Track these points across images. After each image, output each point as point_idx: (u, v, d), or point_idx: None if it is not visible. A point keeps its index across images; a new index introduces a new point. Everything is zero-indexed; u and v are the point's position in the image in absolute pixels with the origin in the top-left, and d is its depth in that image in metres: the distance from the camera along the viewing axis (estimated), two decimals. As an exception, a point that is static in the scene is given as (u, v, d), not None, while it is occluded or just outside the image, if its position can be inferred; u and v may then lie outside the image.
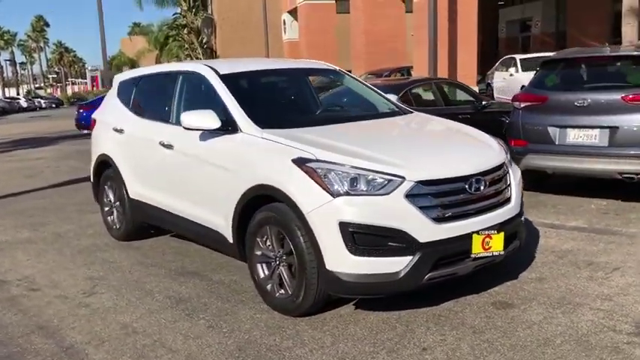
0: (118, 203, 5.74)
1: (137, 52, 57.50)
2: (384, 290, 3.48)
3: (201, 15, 42.89)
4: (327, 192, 3.40)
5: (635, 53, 6.15)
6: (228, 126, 4.14)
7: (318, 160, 3.51)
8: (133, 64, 60.34)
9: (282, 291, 3.80)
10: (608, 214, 5.87)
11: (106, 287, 4.56)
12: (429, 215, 3.41)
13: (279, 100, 4.94)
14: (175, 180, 4.74)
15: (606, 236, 5.16)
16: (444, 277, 3.56)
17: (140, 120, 5.27)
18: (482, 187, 3.65)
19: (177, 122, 4.80)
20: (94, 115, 6.22)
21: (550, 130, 6.16)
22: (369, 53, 18.92)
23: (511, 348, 3.24)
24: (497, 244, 3.65)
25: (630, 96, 5.71)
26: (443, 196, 3.50)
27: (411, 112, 4.84)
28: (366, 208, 3.37)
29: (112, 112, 5.81)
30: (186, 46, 44.38)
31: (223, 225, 4.21)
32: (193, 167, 4.47)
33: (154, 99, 5.37)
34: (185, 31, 43.48)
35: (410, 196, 3.39)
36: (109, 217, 5.95)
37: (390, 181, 3.40)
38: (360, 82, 5.29)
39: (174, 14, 47.72)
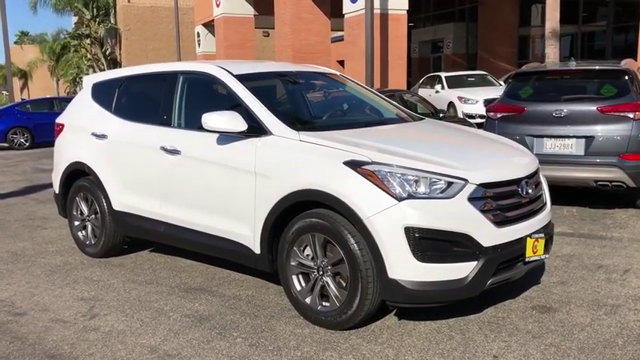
0: (94, 216, 5.19)
1: (29, 62, 53.98)
2: (448, 297, 3.34)
3: (106, 25, 41.13)
4: (390, 195, 3.23)
5: (607, 67, 6.52)
6: (255, 128, 3.86)
7: (374, 163, 3.33)
8: (24, 75, 56.60)
9: (327, 303, 3.56)
10: (584, 221, 6.12)
11: (107, 308, 4.07)
12: (490, 219, 3.33)
13: (300, 102, 4.70)
14: (182, 188, 4.35)
15: (596, 240, 5.36)
16: (502, 282, 3.50)
17: (129, 124, 4.80)
18: (530, 191, 3.64)
19: (183, 126, 4.47)
20: (59, 120, 5.61)
21: (527, 139, 6.35)
22: (296, 68, 18.86)
23: (580, 351, 3.21)
24: (542, 247, 3.64)
25: (606, 107, 6.01)
26: (501, 199, 3.44)
27: (424, 119, 4.78)
28: (431, 212, 3.23)
29: (86, 116, 5.27)
30: (89, 56, 42.35)
31: (248, 235, 3.90)
32: (208, 174, 4.12)
33: (146, 101, 4.92)
34: (88, 41, 41.50)
35: (472, 199, 3.30)
36: (80, 233, 5.37)
37: (452, 184, 3.29)
38: (366, 88, 5.18)
39: (75, 23, 45.51)
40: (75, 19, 46.38)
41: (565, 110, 6.18)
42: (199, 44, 31.63)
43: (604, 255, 4.91)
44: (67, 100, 21.32)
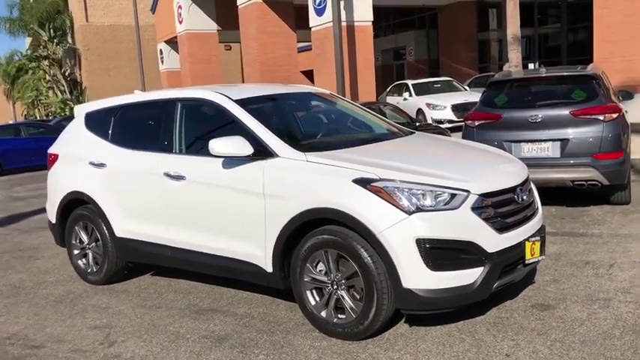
0: (94, 244, 5.25)
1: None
2: (459, 302, 3.55)
3: (64, 45, 40.56)
4: (400, 209, 3.43)
5: (576, 73, 6.88)
6: (261, 152, 4.02)
7: (382, 180, 3.53)
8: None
9: (342, 316, 3.73)
10: (564, 220, 6.44)
11: (123, 334, 4.15)
12: (492, 226, 3.56)
13: (298, 124, 4.86)
14: (188, 212, 4.46)
15: (578, 238, 5.67)
16: (505, 285, 3.73)
17: (129, 152, 4.89)
18: (525, 197, 3.89)
19: (185, 151, 4.59)
20: (52, 150, 5.65)
21: (505, 145, 6.64)
22: (265, 81, 19.02)
23: (583, 344, 3.46)
24: (538, 249, 3.89)
25: (577, 111, 6.36)
26: (500, 207, 3.67)
27: (414, 132, 5.02)
28: (439, 223, 3.44)
29: (82, 145, 5.33)
30: (48, 78, 41.63)
31: (258, 254, 4.05)
32: (215, 197, 4.24)
33: (145, 129, 5.01)
34: (46, 62, 40.79)
35: (475, 208, 3.53)
36: (80, 261, 5.42)
37: (455, 195, 3.51)
38: (355, 104, 5.39)
39: (30, 44, 44.65)
40: (29, 40, 45.55)
41: (540, 115, 6.51)
42: (162, 61, 31.51)
43: (588, 251, 5.21)
44: (33, 126, 20.99)
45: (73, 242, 5.44)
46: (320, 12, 15.96)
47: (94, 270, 5.30)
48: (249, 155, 4.01)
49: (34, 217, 9.36)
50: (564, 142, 6.43)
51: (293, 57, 20.28)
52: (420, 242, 3.39)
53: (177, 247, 4.59)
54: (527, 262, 3.78)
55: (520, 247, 3.71)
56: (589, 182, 6.43)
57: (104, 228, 5.09)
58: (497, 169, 4.03)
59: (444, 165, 3.89)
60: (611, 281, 4.45)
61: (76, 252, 5.44)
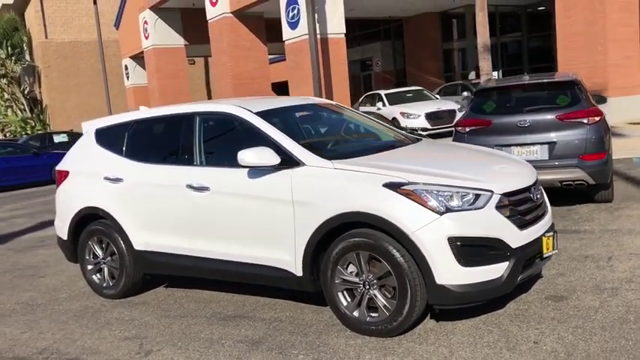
0: (109, 258, 5.31)
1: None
2: (488, 296, 3.79)
3: (23, 63, 39.75)
4: (432, 210, 3.65)
5: (559, 79, 7.28)
6: (287, 161, 4.19)
7: (411, 183, 3.75)
8: None
9: (375, 314, 3.91)
10: (555, 218, 6.61)
11: (156, 344, 4.24)
12: (514, 223, 3.82)
13: (315, 134, 5.05)
14: (212, 222, 4.58)
15: (573, 235, 6.00)
16: (526, 278, 3.98)
17: (147, 166, 4.98)
18: (538, 196, 4.17)
19: (206, 164, 4.72)
20: (62, 167, 5.69)
21: (497, 149, 6.96)
22: (237, 94, 19.15)
23: (603, 329, 3.73)
24: (552, 244, 4.17)
25: (563, 115, 6.74)
26: (519, 205, 3.94)
27: (421, 139, 5.27)
28: (468, 222, 3.68)
29: (94, 161, 5.40)
30: (7, 96, 40.65)
31: (288, 259, 4.21)
32: (241, 206, 4.38)
33: (162, 143, 5.11)
34: (4, 80, 39.86)
35: (498, 207, 3.78)
36: (95, 276, 5.46)
37: (480, 195, 3.75)
38: (360, 114, 5.62)
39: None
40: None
41: (528, 120, 6.86)
42: (128, 77, 31.28)
43: (585, 246, 5.54)
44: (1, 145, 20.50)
45: (87, 258, 5.47)
46: (293, 25, 16.22)
47: (110, 284, 5.34)
48: (275, 165, 4.17)
49: (22, 236, 9.25)
50: (552, 145, 6.79)
51: (264, 70, 20.49)
52: (452, 240, 3.62)
53: (200, 257, 4.70)
54: (544, 255, 4.05)
55: (538, 242, 3.97)
56: (576, 182, 6.80)
57: (121, 242, 5.16)
58: (512, 170, 4.30)
59: (463, 168, 4.14)
60: (613, 272, 4.76)
61: (89, 267, 5.48)
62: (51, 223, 10.22)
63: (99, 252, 5.38)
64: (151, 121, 5.25)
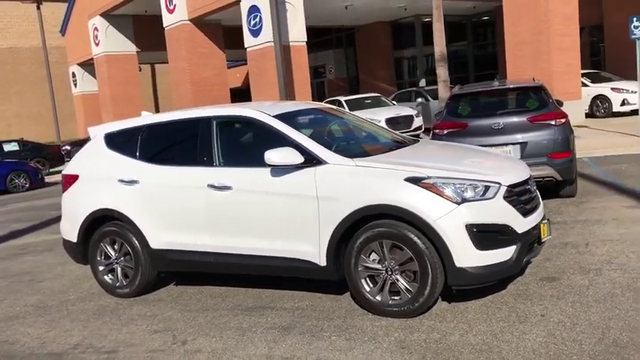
0: (123, 258, 5.48)
1: None
2: (500, 276, 4.25)
3: (-44, 71, 38.15)
4: (451, 201, 4.09)
5: (527, 85, 7.93)
6: (309, 160, 4.53)
7: (430, 177, 4.18)
8: None
9: (396, 297, 4.31)
10: (527, 212, 7.38)
11: (189, 334, 4.47)
12: (519, 211, 4.30)
13: (326, 134, 5.41)
14: (235, 218, 4.85)
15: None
16: (529, 261, 4.47)
17: (163, 168, 5.20)
18: (534, 188, 4.68)
19: (226, 164, 4.98)
20: (70, 171, 5.80)
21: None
22: (197, 100, 19.23)
23: (597, 302, 4.26)
24: (547, 230, 4.68)
25: (533, 117, 7.37)
26: (521, 196, 4.43)
27: (419, 140, 5.72)
28: (481, 211, 4.14)
29: (106, 164, 5.55)
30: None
31: (312, 251, 4.54)
32: (265, 202, 4.68)
33: (179, 146, 5.33)
34: (-62, 89, 38.13)
35: (505, 197, 4.26)
36: (107, 277, 5.61)
37: (489, 187, 4.22)
38: (357, 117, 6.02)
39: None
40: None
41: (501, 123, 7.46)
42: (76, 84, 30.63)
43: (562, 235, 6.13)
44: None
45: (98, 259, 5.61)
46: (255, 33, 16.52)
47: (124, 283, 5.51)
48: (299, 164, 4.51)
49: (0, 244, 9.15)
50: (523, 145, 7.40)
51: (223, 76, 20.66)
52: (469, 227, 4.06)
53: (222, 253, 4.97)
54: (542, 240, 4.56)
55: (537, 228, 4.48)
56: (546, 179, 7.44)
57: (136, 241, 5.34)
58: (510, 166, 4.80)
59: (470, 164, 4.61)
60: (593, 256, 5.34)
61: (101, 268, 5.62)
62: (23, 231, 10.18)
63: (111, 253, 5.54)
64: (165, 124, 5.46)
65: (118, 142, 5.60)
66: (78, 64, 30.02)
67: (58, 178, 19.83)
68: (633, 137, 12.88)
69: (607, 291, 4.46)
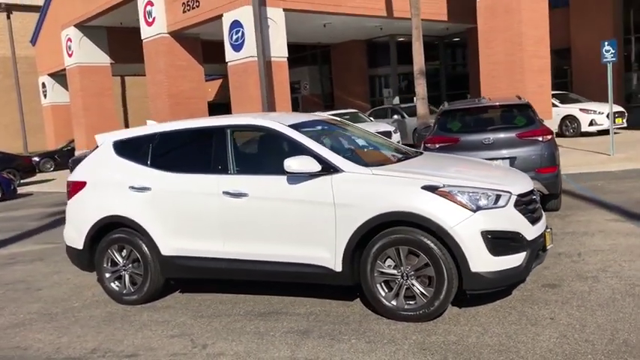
0: (131, 265, 5.51)
1: None
2: (511, 281, 4.46)
3: None
4: (467, 209, 4.28)
5: (514, 102, 8.27)
6: (326, 168, 4.68)
7: (446, 186, 4.37)
8: None
9: (412, 302, 4.47)
10: (516, 224, 7.67)
11: (207, 339, 4.53)
12: (528, 219, 4.53)
13: (339, 144, 5.56)
14: (250, 225, 4.94)
15: (538, 237, 6.87)
16: (536, 267, 4.70)
17: (177, 175, 5.26)
18: (538, 198, 4.93)
19: (241, 172, 5.09)
20: (77, 178, 5.80)
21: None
22: (174, 113, 19.16)
23: (600, 307, 4.49)
24: (550, 239, 4.93)
25: (522, 134, 7.70)
26: (528, 205, 4.66)
27: (422, 152, 5.93)
28: (495, 218, 4.35)
29: (115, 171, 5.58)
30: None
31: (327, 257, 4.67)
32: (282, 209, 4.79)
33: (193, 154, 5.41)
34: None
35: (516, 206, 4.48)
36: (113, 284, 5.61)
37: (501, 196, 4.43)
38: (360, 128, 6.21)
39: None
40: None
41: (491, 138, 7.76)
42: (45, 95, 30.09)
43: (554, 246, 6.37)
44: None
45: (105, 266, 5.61)
46: (237, 48, 16.64)
47: (132, 290, 5.52)
48: (316, 172, 4.65)
49: (-15, 254, 8.96)
50: (512, 159, 7.70)
51: (201, 90, 20.65)
52: (484, 234, 4.26)
53: (235, 259, 5.05)
54: (547, 248, 4.79)
55: (542, 236, 4.71)
56: (534, 192, 7.73)
57: (146, 248, 5.38)
58: (517, 176, 5.04)
59: (478, 174, 4.83)
60: (587, 265, 5.61)
61: (107, 275, 5.62)
62: (6, 241, 9.99)
63: (119, 259, 5.55)
64: (178, 133, 5.53)
65: (128, 149, 5.65)
66: (48, 75, 29.50)
67: (30, 189, 19.47)
68: (604, 155, 13.44)
69: (608, 296, 4.70)
